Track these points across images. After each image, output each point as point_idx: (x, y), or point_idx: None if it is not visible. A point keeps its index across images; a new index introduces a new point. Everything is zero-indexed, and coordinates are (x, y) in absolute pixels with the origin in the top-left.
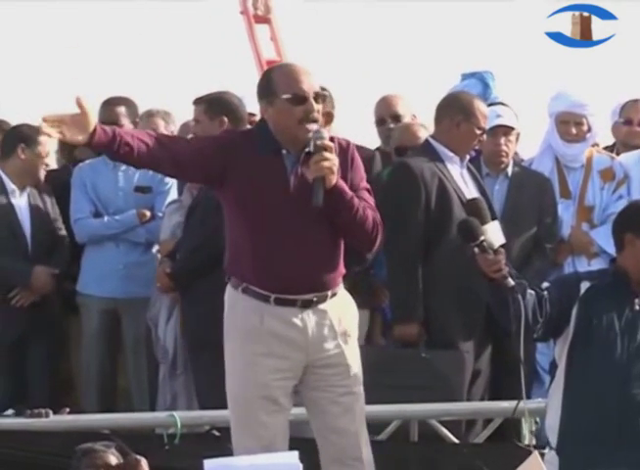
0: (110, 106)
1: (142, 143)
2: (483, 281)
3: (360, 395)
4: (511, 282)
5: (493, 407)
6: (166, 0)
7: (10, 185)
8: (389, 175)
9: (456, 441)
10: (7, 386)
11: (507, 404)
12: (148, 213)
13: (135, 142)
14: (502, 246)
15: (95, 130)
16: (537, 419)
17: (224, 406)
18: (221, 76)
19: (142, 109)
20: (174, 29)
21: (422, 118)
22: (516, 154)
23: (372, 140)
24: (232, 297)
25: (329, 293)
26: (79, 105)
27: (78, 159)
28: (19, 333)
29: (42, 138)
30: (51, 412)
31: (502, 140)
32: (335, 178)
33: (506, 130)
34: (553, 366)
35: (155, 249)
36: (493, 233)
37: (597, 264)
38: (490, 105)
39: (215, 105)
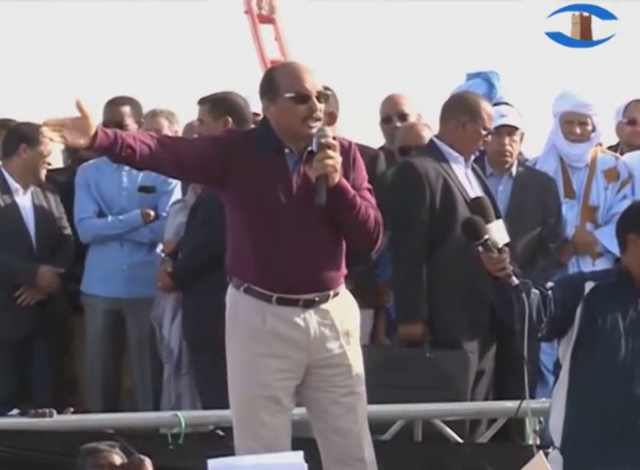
0: (114, 106)
1: (144, 145)
2: (488, 280)
3: (362, 395)
4: (515, 281)
5: (497, 407)
6: (170, 0)
7: (13, 184)
8: (394, 175)
9: (460, 440)
10: (11, 385)
11: (511, 404)
12: (152, 213)
13: (137, 144)
14: (506, 245)
15: (96, 133)
16: (541, 419)
17: (226, 406)
18: (225, 76)
19: (145, 109)
20: (178, 29)
21: (425, 118)
22: (520, 154)
23: (376, 139)
24: (234, 297)
25: (331, 293)
26: (80, 108)
27: (83, 158)
28: (24, 332)
29: (44, 137)
30: (55, 412)
31: (506, 140)
32: (338, 176)
33: (510, 130)
34: (557, 366)
35: (159, 249)
36: (497, 232)
37: (601, 264)
38: (494, 105)
39: (220, 105)
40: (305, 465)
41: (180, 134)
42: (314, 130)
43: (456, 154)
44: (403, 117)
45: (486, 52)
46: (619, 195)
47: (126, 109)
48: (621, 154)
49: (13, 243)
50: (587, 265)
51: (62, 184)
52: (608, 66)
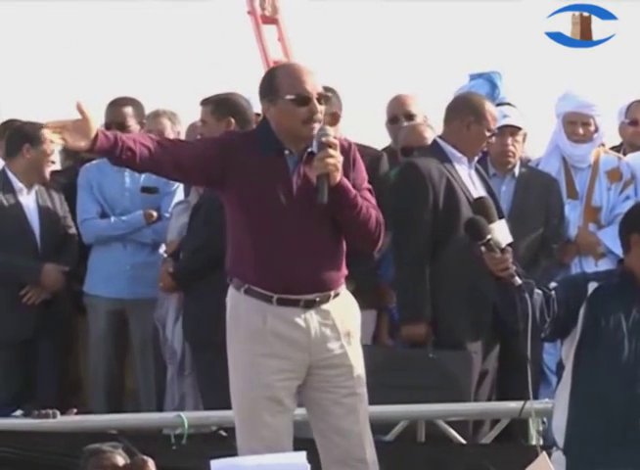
0: (116, 106)
1: (144, 147)
2: (491, 281)
3: (364, 395)
4: (518, 281)
5: (500, 408)
6: (173, 0)
7: (17, 184)
8: (397, 175)
9: (463, 441)
10: (16, 384)
11: (514, 405)
12: (155, 214)
13: (137, 147)
14: (509, 245)
15: (97, 136)
16: (544, 419)
17: (228, 407)
18: (228, 77)
19: (146, 109)
20: (179, 30)
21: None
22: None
23: (379, 140)
24: (234, 298)
25: (331, 293)
26: (80, 111)
27: (85, 159)
28: (30, 332)
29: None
30: (58, 413)
31: (509, 140)
32: (339, 176)
33: (513, 130)
34: (560, 367)
35: (162, 249)
36: (500, 232)
37: (604, 265)
38: (497, 105)
39: (222, 106)
40: (308, 465)
41: (183, 135)
42: (314, 132)
43: (460, 154)
44: (410, 117)
45: (488, 52)
46: (622, 195)
47: (129, 109)
48: (624, 154)
49: (17, 243)
50: (590, 266)
51: (64, 185)
52: (611, 66)
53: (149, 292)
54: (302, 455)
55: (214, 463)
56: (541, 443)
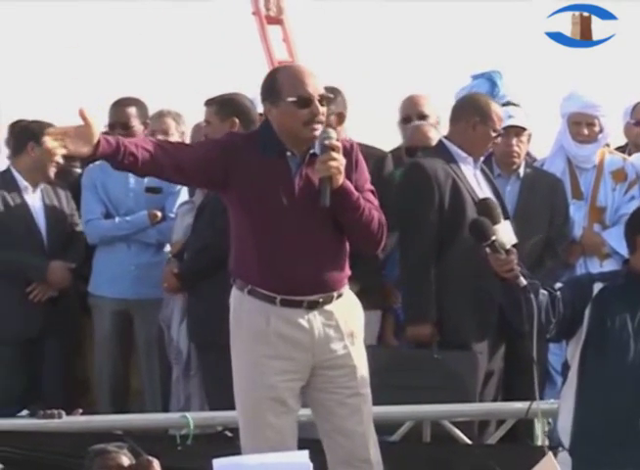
0: (120, 107)
1: (145, 151)
2: (496, 281)
3: (367, 396)
4: (523, 282)
5: (506, 408)
6: (178, 0)
7: (22, 182)
8: (403, 176)
9: (469, 441)
10: (21, 384)
11: (520, 405)
12: (159, 214)
13: (139, 151)
14: (514, 246)
15: (99, 142)
16: (550, 420)
17: (233, 407)
18: (233, 77)
19: (150, 110)
20: (182, 30)
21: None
22: (528, 154)
23: (383, 140)
24: (238, 299)
25: (335, 294)
26: (83, 117)
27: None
28: (37, 330)
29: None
30: (64, 413)
31: (514, 141)
32: (342, 178)
33: (518, 131)
34: (565, 367)
35: (166, 250)
36: (505, 233)
37: (609, 266)
38: (502, 105)
39: (227, 106)
40: (310, 464)
41: (188, 135)
42: (316, 133)
43: (465, 155)
44: (423, 117)
45: (490, 52)
46: (627, 196)
47: (132, 110)
48: (629, 155)
49: (24, 242)
50: (595, 266)
51: (68, 186)
52: (615, 66)
53: (153, 292)
54: (305, 454)
55: (217, 462)
56: (547, 443)
